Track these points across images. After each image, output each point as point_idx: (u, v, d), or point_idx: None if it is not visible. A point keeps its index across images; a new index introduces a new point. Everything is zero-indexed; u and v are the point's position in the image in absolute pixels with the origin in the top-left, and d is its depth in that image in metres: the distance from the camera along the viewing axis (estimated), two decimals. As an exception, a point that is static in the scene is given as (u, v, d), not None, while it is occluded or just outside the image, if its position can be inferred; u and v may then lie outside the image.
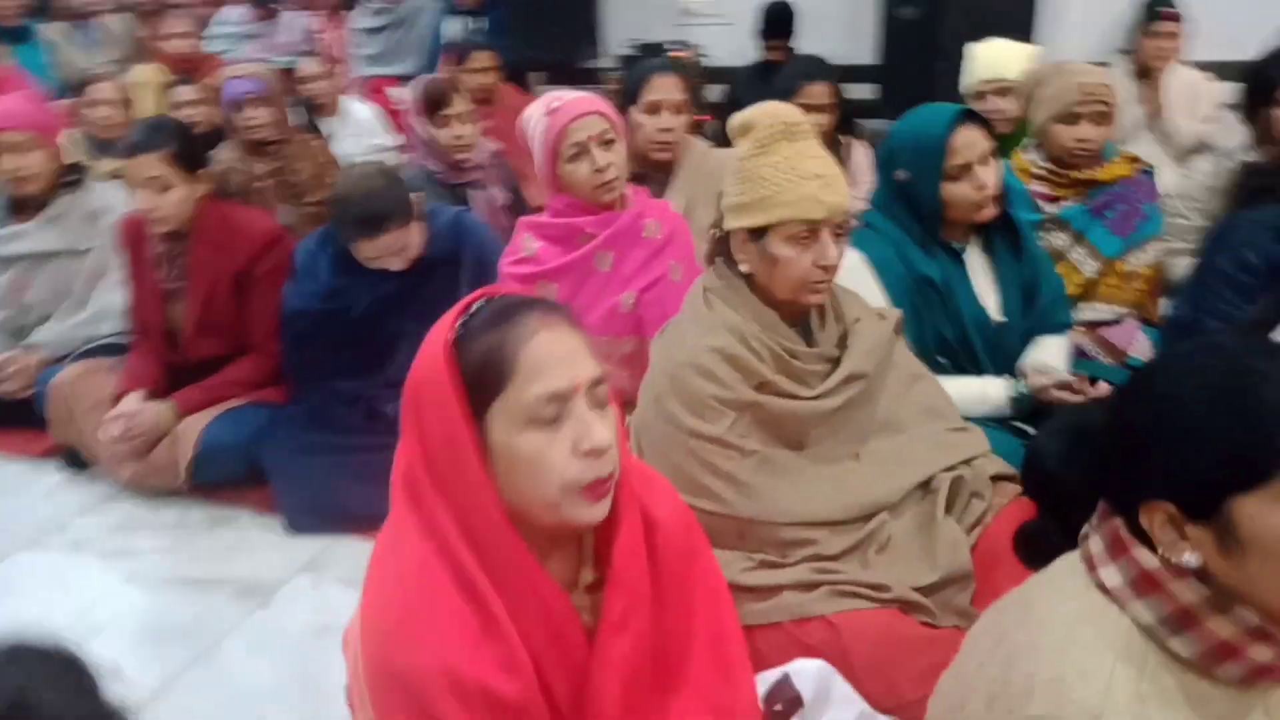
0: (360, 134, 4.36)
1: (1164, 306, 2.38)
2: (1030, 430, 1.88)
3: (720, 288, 1.53)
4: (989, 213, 1.84)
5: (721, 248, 1.56)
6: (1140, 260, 2.31)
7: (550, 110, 1.86)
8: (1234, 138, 2.52)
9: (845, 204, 1.43)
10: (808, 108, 2.81)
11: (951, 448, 1.58)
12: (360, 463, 2.09)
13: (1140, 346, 2.20)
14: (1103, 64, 3.88)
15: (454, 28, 4.82)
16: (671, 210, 2.04)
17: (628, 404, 2.03)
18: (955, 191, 1.82)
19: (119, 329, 2.51)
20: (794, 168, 1.41)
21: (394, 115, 4.70)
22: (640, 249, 1.95)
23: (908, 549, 1.46)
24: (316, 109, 4.10)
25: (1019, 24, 3.73)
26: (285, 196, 3.02)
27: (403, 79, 5.00)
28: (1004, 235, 1.93)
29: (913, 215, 1.89)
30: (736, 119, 1.49)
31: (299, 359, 2.24)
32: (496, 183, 2.89)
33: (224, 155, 2.99)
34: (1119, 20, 3.89)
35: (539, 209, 3.04)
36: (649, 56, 4.20)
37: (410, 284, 2.17)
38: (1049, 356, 1.96)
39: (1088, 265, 2.32)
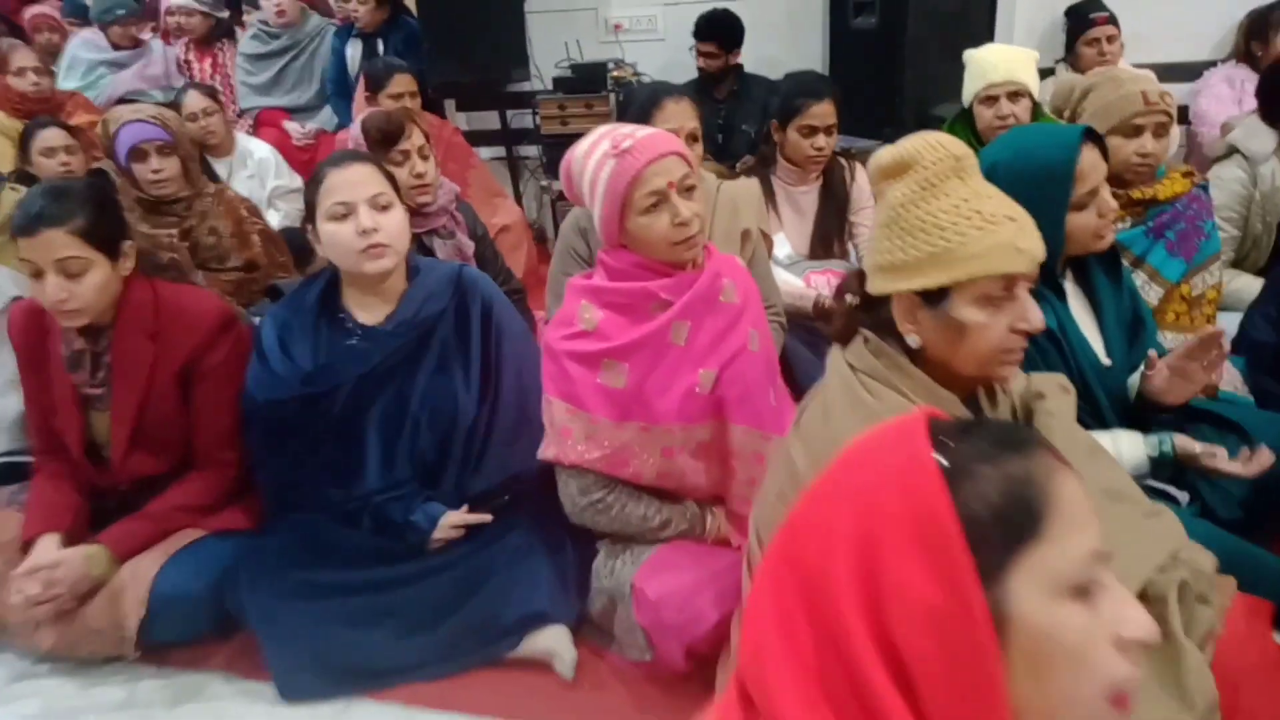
0: (261, 175, 3.86)
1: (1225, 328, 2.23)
2: (1173, 492, 1.66)
3: (879, 368, 1.22)
4: (1108, 241, 1.62)
5: (871, 317, 1.25)
6: (1205, 283, 2.15)
7: (620, 150, 1.50)
8: (1262, 142, 2.40)
9: (1042, 251, 1.15)
10: (812, 129, 2.55)
11: (1155, 540, 1.31)
12: (370, 602, 1.67)
13: (1230, 377, 2.02)
14: (1049, 71, 3.84)
15: (353, 53, 4.35)
16: (741, 265, 1.72)
17: (709, 501, 1.70)
18: (1079, 223, 1.58)
19: (12, 445, 1.97)
20: (978, 210, 1.12)
21: (289, 152, 4.22)
22: (718, 316, 1.61)
23: (1144, 678, 1.18)
24: (207, 149, 3.56)
25: (978, 34, 3.59)
26: (201, 262, 2.52)
27: (295, 110, 4.53)
28: (1104, 266, 1.70)
29: (1023, 253, 1.64)
30: (884, 156, 1.18)
31: (274, 467, 1.78)
32: (463, 229, 2.49)
33: (121, 214, 2.46)
34: (1058, 29, 3.84)
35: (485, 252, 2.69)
36: (585, 76, 3.87)
37: (409, 353, 1.77)
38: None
39: (1150, 292, 2.13)
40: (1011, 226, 1.12)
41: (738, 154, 3.61)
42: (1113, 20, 3.52)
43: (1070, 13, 3.66)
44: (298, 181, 4.18)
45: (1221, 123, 2.76)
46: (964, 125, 2.69)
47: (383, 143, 2.26)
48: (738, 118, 3.88)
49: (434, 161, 2.36)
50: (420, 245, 2.39)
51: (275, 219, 3.95)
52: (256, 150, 3.82)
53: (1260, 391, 2.02)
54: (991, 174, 1.64)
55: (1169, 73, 3.66)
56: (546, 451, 1.63)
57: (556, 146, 3.92)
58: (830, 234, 2.71)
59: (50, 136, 2.91)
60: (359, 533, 1.73)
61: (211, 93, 3.57)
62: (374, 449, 1.75)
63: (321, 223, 1.72)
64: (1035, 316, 1.15)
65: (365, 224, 1.68)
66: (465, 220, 2.51)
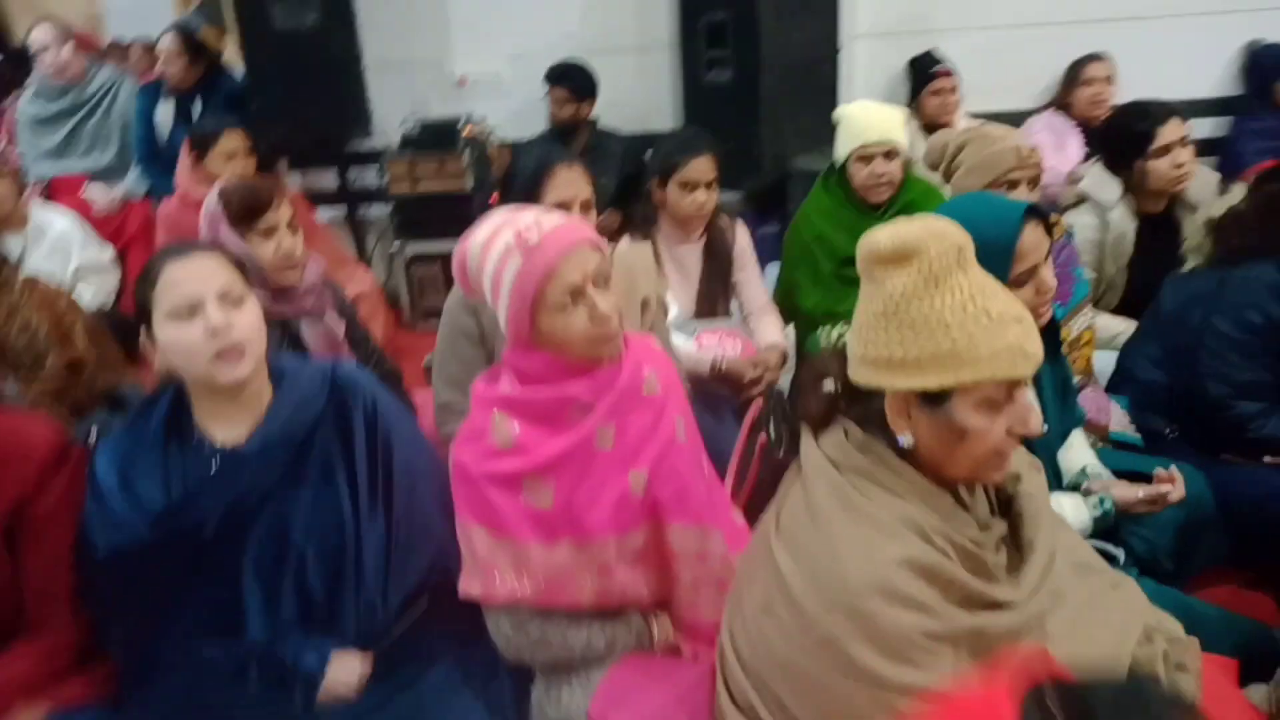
0: (64, 249, 3.41)
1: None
2: (1111, 550, 1.67)
3: (867, 466, 1.13)
4: (1045, 318, 1.62)
5: (857, 410, 1.17)
6: (1079, 325, 2.24)
7: (525, 243, 1.34)
8: (1109, 190, 2.55)
9: (1042, 352, 1.10)
10: (690, 185, 2.50)
11: (1130, 614, 1.29)
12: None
13: (1118, 418, 2.10)
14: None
15: (164, 113, 3.96)
16: (658, 347, 1.60)
17: (651, 608, 1.55)
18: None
19: None
20: (985, 310, 1.06)
21: (91, 222, 3.79)
22: (643, 411, 1.47)
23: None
24: (-7, 224, 3.11)
25: (826, 87, 3.71)
26: (12, 366, 2.13)
27: (94, 175, 4.07)
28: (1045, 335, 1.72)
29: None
30: (882, 243, 1.10)
31: (127, 627, 1.48)
32: (332, 308, 2.24)
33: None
34: (896, 80, 4.03)
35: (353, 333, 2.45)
36: (435, 133, 3.68)
37: (282, 473, 1.51)
38: (1085, 457, 1.79)
39: (1036, 338, 2.20)
40: (1018, 329, 1.07)
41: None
42: (952, 73, 3.73)
43: (913, 65, 3.85)
44: (109, 254, 3.74)
45: (1067, 171, 2.95)
46: (836, 182, 2.72)
47: (246, 216, 2.01)
48: (593, 173, 3.80)
49: (300, 237, 2.11)
50: (286, 331, 2.13)
51: (86, 298, 3.50)
52: (56, 222, 3.38)
53: (1147, 431, 2.11)
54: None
55: (1000, 121, 3.92)
56: (470, 588, 1.43)
57: (408, 207, 3.71)
58: (716, 292, 2.66)
59: None
60: (246, 692, 1.45)
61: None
62: (253, 592, 1.47)
63: (160, 325, 1.45)
64: (1035, 421, 1.10)
65: (216, 322, 1.43)
66: (335, 298, 2.26)
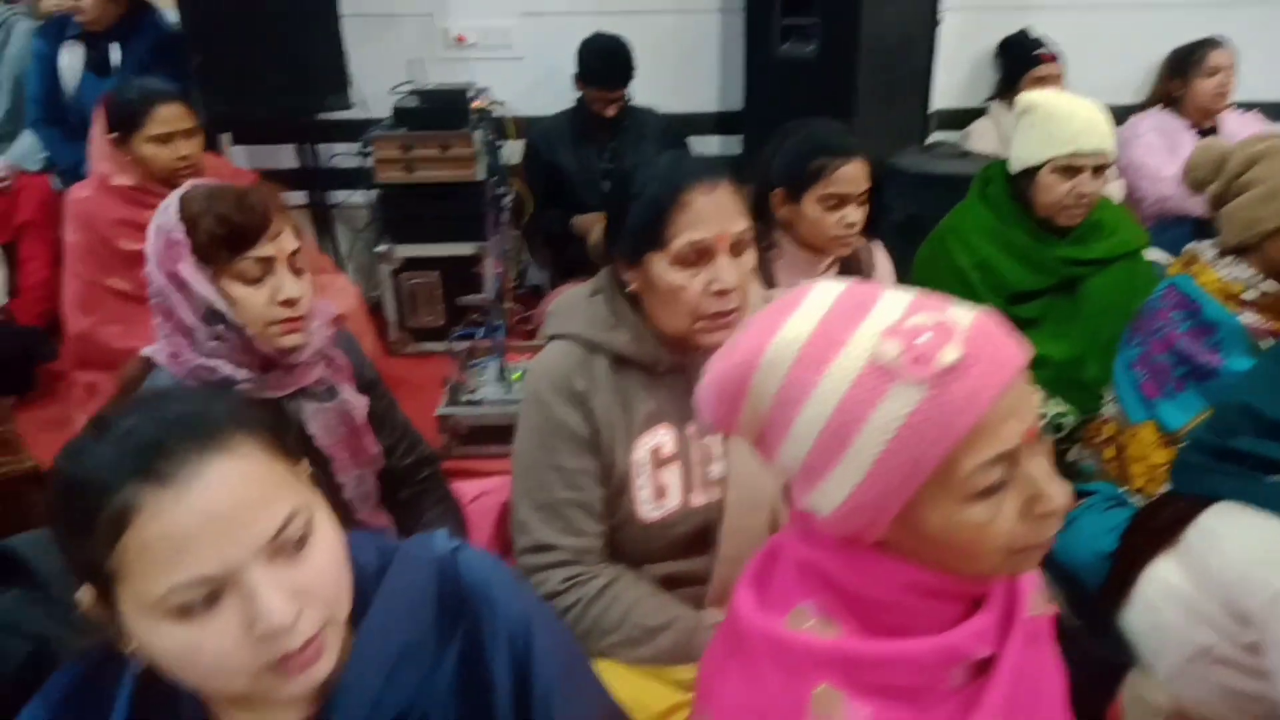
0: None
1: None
2: None
3: None
4: None
5: None
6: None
7: (932, 365, 0.65)
8: None
9: None
10: (840, 199, 1.83)
11: None
12: None
13: None
14: (979, 112, 3.41)
15: (71, 61, 3.06)
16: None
17: None
18: None
19: None
20: None
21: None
22: (1033, 653, 0.82)
23: None
24: None
25: (920, 70, 3.06)
26: None
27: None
28: None
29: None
30: None
31: None
32: (348, 378, 1.49)
33: None
34: (981, 64, 3.42)
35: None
36: (438, 106, 2.89)
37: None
38: None
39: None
40: None
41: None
42: (1057, 57, 3.12)
43: (1009, 46, 3.23)
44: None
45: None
46: (1005, 193, 2.08)
47: (226, 249, 1.25)
48: (629, 160, 3.09)
49: (307, 277, 1.35)
50: (278, 414, 1.37)
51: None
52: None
53: None
54: None
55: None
56: None
57: (399, 199, 2.92)
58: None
59: None
60: None
61: None
62: None
63: (139, 607, 0.67)
64: None
65: (274, 620, 0.66)
66: (354, 358, 1.51)
